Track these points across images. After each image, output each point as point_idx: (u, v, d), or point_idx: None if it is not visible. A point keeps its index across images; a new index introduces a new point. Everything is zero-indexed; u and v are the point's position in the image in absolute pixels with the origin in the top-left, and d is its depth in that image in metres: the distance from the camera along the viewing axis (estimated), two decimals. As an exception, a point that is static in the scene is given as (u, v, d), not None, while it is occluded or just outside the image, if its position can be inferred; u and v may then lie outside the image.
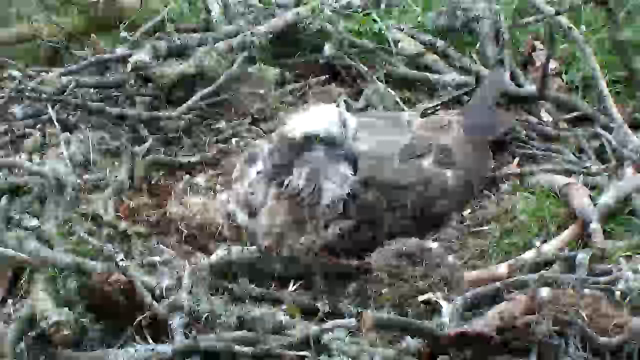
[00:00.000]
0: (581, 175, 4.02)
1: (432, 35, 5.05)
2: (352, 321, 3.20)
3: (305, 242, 3.56)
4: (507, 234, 3.78)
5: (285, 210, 3.58)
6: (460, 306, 3.27)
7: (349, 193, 3.62)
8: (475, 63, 4.87)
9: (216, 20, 5.04)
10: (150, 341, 3.23)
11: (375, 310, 3.31)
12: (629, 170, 4.02)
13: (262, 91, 4.68)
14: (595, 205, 3.71)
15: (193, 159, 4.30)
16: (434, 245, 3.57)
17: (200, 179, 4.18)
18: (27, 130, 4.40)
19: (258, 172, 3.70)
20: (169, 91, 4.60)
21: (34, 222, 3.66)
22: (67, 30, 5.35)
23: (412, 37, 5.04)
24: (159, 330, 3.25)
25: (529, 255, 3.57)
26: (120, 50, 4.81)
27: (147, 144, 4.31)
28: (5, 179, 3.85)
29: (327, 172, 3.58)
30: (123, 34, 4.92)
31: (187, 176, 4.21)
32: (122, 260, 3.32)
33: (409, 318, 3.25)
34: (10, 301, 3.50)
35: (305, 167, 3.57)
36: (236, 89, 4.67)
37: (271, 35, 4.85)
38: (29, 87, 4.44)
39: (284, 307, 3.42)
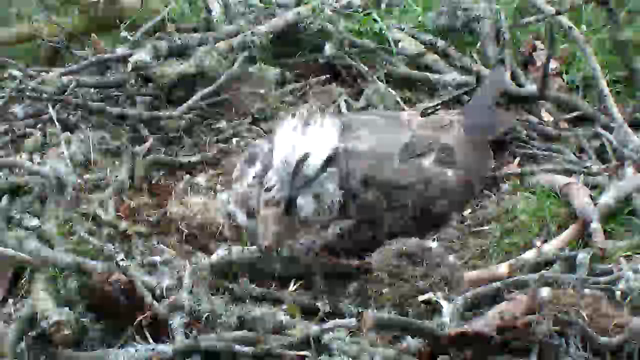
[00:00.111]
0: (582, 175, 4.01)
1: (432, 35, 5.04)
2: (353, 321, 3.20)
3: (305, 242, 3.56)
4: (507, 233, 3.78)
5: (273, 218, 3.57)
6: (460, 306, 3.27)
7: (341, 200, 3.61)
8: (476, 63, 4.86)
9: (217, 20, 5.03)
10: (151, 341, 3.23)
11: (376, 310, 3.30)
12: (629, 170, 4.01)
13: (262, 91, 4.68)
14: (595, 205, 3.71)
15: (194, 159, 4.30)
16: (434, 245, 3.57)
17: (200, 179, 4.18)
18: (27, 130, 4.40)
19: (254, 177, 3.70)
20: (169, 91, 4.59)
21: (35, 222, 3.66)
22: (67, 30, 5.35)
23: (413, 36, 5.03)
24: (159, 330, 3.25)
25: (529, 255, 3.57)
26: (120, 50, 4.80)
27: (147, 144, 4.31)
28: (6, 178, 3.85)
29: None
30: (123, 33, 4.91)
31: (188, 176, 4.20)
32: (122, 260, 3.32)
33: (409, 318, 3.25)
34: (10, 301, 3.49)
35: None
36: (237, 88, 4.67)
37: (272, 35, 4.84)
38: (29, 87, 4.43)
39: (284, 307, 3.42)
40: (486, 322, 3.15)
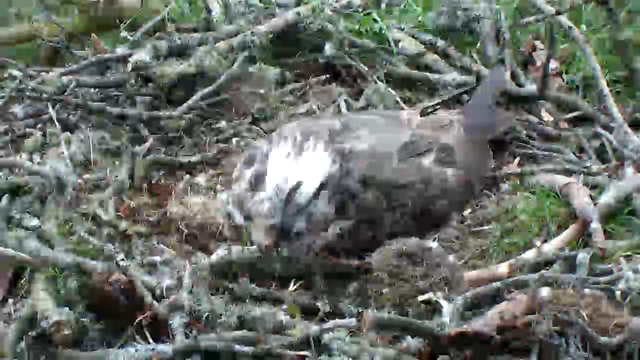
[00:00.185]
0: (581, 175, 4.01)
1: (432, 35, 5.04)
2: (353, 321, 3.20)
3: (305, 241, 3.56)
4: (507, 233, 3.78)
5: (265, 231, 3.58)
6: (460, 306, 3.27)
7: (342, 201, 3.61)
8: (476, 63, 4.87)
9: (217, 20, 5.03)
10: (151, 341, 3.23)
11: (376, 310, 3.30)
12: (629, 170, 4.02)
13: (262, 91, 4.68)
14: (595, 205, 3.71)
15: (194, 159, 4.30)
16: (434, 245, 3.57)
17: (200, 179, 4.18)
18: (27, 130, 4.40)
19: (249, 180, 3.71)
20: (169, 91, 4.59)
21: (35, 222, 3.66)
22: (67, 30, 5.34)
23: (413, 36, 5.03)
24: (159, 330, 3.24)
25: (529, 255, 3.57)
26: (120, 50, 4.80)
27: (147, 144, 4.31)
28: (6, 178, 3.85)
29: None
30: (123, 33, 4.91)
31: (188, 176, 4.20)
32: (122, 260, 3.32)
33: (409, 318, 3.25)
34: (10, 301, 3.49)
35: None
36: (237, 88, 4.67)
37: (272, 35, 4.84)
38: (29, 87, 4.43)
39: (284, 306, 3.42)
40: (486, 322, 3.15)
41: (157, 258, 3.50)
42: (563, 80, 4.78)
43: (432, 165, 3.84)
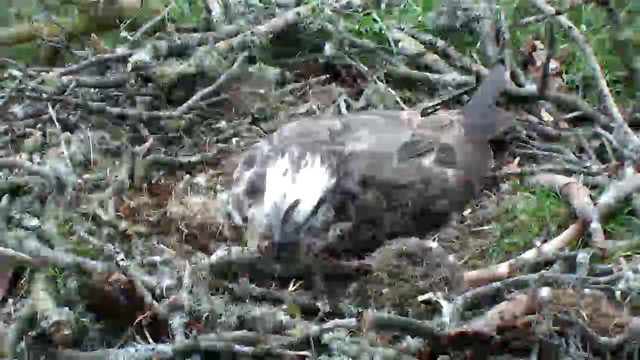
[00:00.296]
0: (581, 175, 4.01)
1: (432, 35, 5.04)
2: (353, 321, 3.20)
3: (305, 242, 3.56)
4: (507, 233, 3.78)
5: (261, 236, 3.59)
6: (460, 306, 3.27)
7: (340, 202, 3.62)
8: (476, 63, 4.86)
9: (216, 20, 5.03)
10: (151, 341, 3.23)
11: (376, 310, 3.30)
12: (629, 170, 4.02)
13: (262, 91, 4.68)
14: (595, 205, 3.71)
15: (193, 159, 4.30)
16: (434, 245, 3.57)
17: (200, 179, 4.18)
18: (27, 130, 4.40)
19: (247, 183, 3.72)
20: (169, 91, 4.59)
21: (35, 222, 3.66)
22: (67, 30, 5.35)
23: (413, 36, 5.03)
24: (159, 330, 3.24)
25: (529, 255, 3.57)
26: (120, 50, 4.80)
27: (147, 144, 4.31)
28: (6, 178, 3.85)
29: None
30: (123, 33, 4.91)
31: (188, 176, 4.21)
32: (122, 260, 3.32)
33: (409, 318, 3.25)
34: (10, 301, 3.49)
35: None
36: (237, 88, 4.67)
37: (271, 35, 4.84)
38: (29, 87, 4.43)
39: (284, 307, 3.42)
40: (486, 322, 3.15)
41: (157, 258, 3.50)
42: (563, 80, 4.78)
43: (433, 165, 3.84)
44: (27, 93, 4.41)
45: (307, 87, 4.83)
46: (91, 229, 3.68)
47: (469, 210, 3.95)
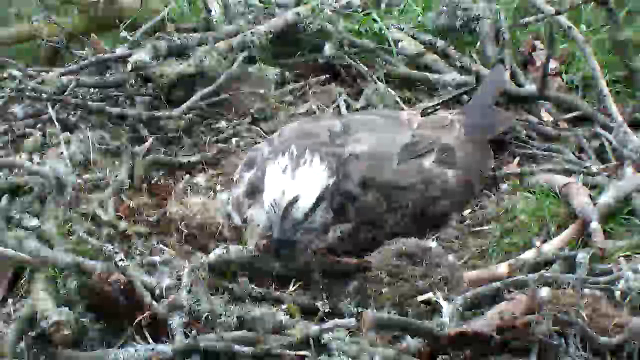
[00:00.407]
0: (581, 175, 4.02)
1: (432, 35, 5.04)
2: (352, 321, 3.20)
3: (303, 239, 3.56)
4: (507, 233, 3.78)
5: (260, 236, 3.59)
6: (460, 306, 3.27)
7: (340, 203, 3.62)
8: (476, 63, 4.86)
9: (216, 20, 5.02)
10: (150, 341, 3.23)
11: (375, 309, 3.30)
12: (629, 170, 4.02)
13: (262, 91, 4.68)
14: (595, 204, 3.71)
15: (193, 159, 4.30)
16: (434, 245, 3.57)
17: (200, 179, 4.18)
18: (27, 130, 4.40)
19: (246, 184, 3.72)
20: (169, 91, 4.59)
21: (34, 222, 3.66)
22: (67, 30, 5.34)
23: (412, 36, 5.03)
24: (158, 330, 3.24)
25: (529, 255, 3.58)
26: (120, 50, 4.80)
27: (147, 144, 4.31)
28: (6, 178, 3.85)
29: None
30: (123, 33, 4.90)
31: (187, 176, 4.21)
32: (121, 260, 3.32)
33: (409, 318, 3.25)
34: (10, 301, 3.50)
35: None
36: (236, 88, 4.67)
37: (271, 35, 4.84)
38: (29, 87, 4.43)
39: (284, 307, 3.42)
40: (486, 322, 3.15)
41: (157, 258, 3.50)
42: (563, 80, 4.78)
43: (433, 166, 3.84)
44: (27, 93, 4.41)
45: (307, 87, 4.82)
46: (91, 229, 3.68)
47: (469, 210, 3.95)
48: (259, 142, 4.27)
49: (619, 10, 4.76)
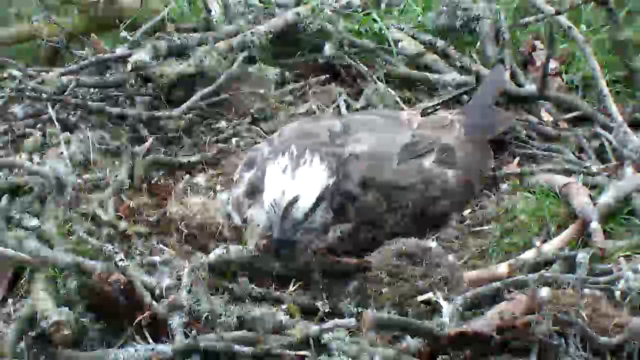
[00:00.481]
0: (581, 175, 4.02)
1: (432, 35, 5.04)
2: (352, 321, 3.20)
3: (303, 239, 3.56)
4: (507, 233, 3.78)
5: (260, 235, 3.59)
6: (460, 306, 3.27)
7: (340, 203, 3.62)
8: (476, 63, 4.86)
9: (216, 20, 5.02)
10: (150, 341, 3.23)
11: (375, 309, 3.30)
12: (629, 170, 4.02)
13: (262, 91, 4.68)
14: (595, 204, 3.71)
15: (193, 159, 4.30)
16: (434, 245, 3.57)
17: (200, 179, 4.18)
18: (27, 130, 4.40)
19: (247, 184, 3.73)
20: (169, 91, 4.59)
21: (34, 222, 3.66)
22: (67, 30, 5.34)
23: (412, 36, 5.03)
24: (158, 330, 3.24)
25: (529, 255, 3.58)
26: (120, 50, 4.79)
27: (147, 144, 4.31)
28: (6, 178, 3.85)
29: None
30: (123, 33, 4.90)
31: (187, 176, 4.21)
32: (121, 260, 3.32)
33: (409, 318, 3.25)
34: (10, 301, 3.50)
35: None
36: (236, 88, 4.67)
37: (271, 35, 4.84)
38: (29, 87, 4.43)
39: (284, 307, 3.42)
40: (486, 322, 3.15)
41: (157, 258, 3.50)
42: (563, 80, 4.78)
43: (433, 166, 3.84)
44: (27, 93, 4.41)
45: (307, 87, 4.82)
46: (91, 229, 3.68)
47: (469, 210, 3.95)
48: (259, 142, 4.27)
49: (619, 10, 4.76)
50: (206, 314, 3.25)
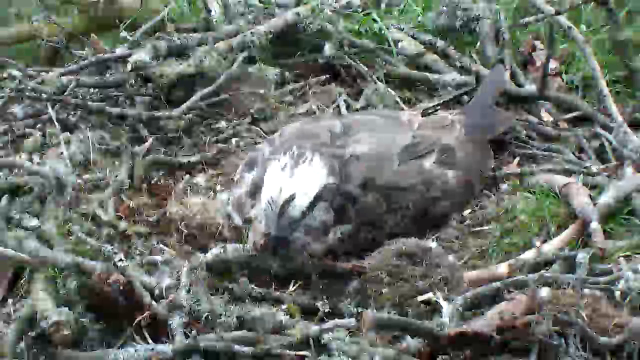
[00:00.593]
0: (581, 175, 4.01)
1: (432, 35, 5.04)
2: (352, 321, 3.20)
3: (299, 241, 3.56)
4: (507, 233, 3.78)
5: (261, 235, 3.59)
6: (460, 306, 3.27)
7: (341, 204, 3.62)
8: (476, 63, 4.86)
9: (216, 20, 5.02)
10: (150, 341, 3.23)
11: (375, 309, 3.30)
12: (629, 170, 4.02)
13: (262, 91, 4.68)
14: (595, 205, 3.71)
15: (193, 159, 4.30)
16: (434, 245, 3.56)
17: (200, 179, 4.18)
18: (27, 130, 4.40)
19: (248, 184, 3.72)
20: (168, 91, 4.59)
21: (34, 222, 3.66)
22: (67, 30, 5.34)
23: (412, 37, 5.03)
24: (158, 330, 3.24)
25: (529, 255, 3.57)
26: (120, 50, 4.79)
27: (147, 144, 4.31)
28: (6, 179, 3.85)
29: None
30: (123, 33, 4.90)
31: (187, 176, 4.21)
32: (120, 260, 3.31)
33: (409, 318, 3.25)
34: (10, 301, 3.50)
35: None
36: (236, 88, 4.67)
37: (271, 35, 4.84)
38: (29, 87, 4.43)
39: (284, 307, 3.42)
40: (486, 322, 3.15)
41: (157, 258, 3.50)
42: (563, 80, 4.78)
43: (433, 167, 3.84)
44: (27, 93, 4.41)
45: (307, 87, 4.82)
46: (91, 229, 3.68)
47: (469, 210, 3.95)
48: (259, 142, 4.28)
49: (619, 10, 4.75)
50: (206, 314, 3.25)
